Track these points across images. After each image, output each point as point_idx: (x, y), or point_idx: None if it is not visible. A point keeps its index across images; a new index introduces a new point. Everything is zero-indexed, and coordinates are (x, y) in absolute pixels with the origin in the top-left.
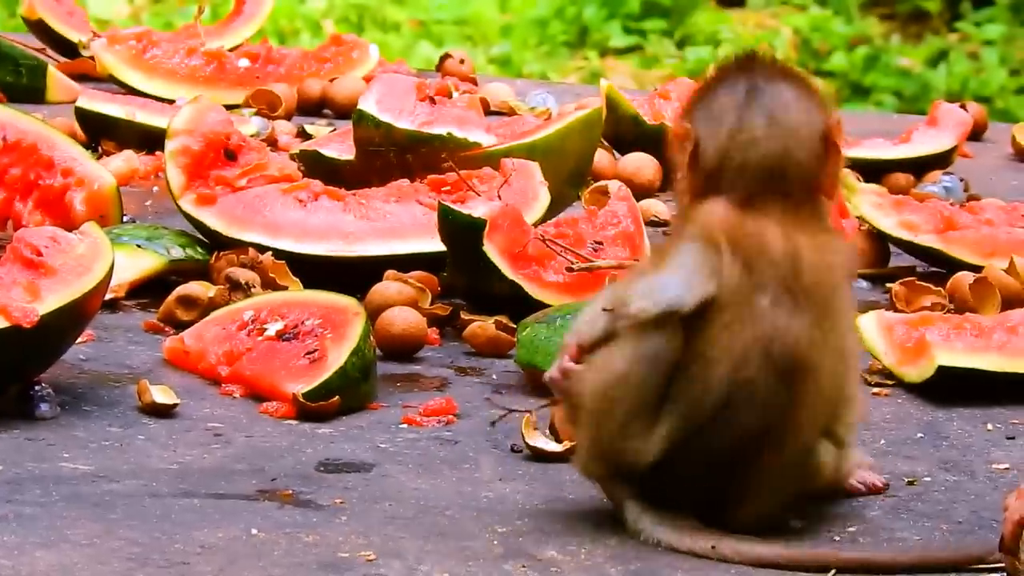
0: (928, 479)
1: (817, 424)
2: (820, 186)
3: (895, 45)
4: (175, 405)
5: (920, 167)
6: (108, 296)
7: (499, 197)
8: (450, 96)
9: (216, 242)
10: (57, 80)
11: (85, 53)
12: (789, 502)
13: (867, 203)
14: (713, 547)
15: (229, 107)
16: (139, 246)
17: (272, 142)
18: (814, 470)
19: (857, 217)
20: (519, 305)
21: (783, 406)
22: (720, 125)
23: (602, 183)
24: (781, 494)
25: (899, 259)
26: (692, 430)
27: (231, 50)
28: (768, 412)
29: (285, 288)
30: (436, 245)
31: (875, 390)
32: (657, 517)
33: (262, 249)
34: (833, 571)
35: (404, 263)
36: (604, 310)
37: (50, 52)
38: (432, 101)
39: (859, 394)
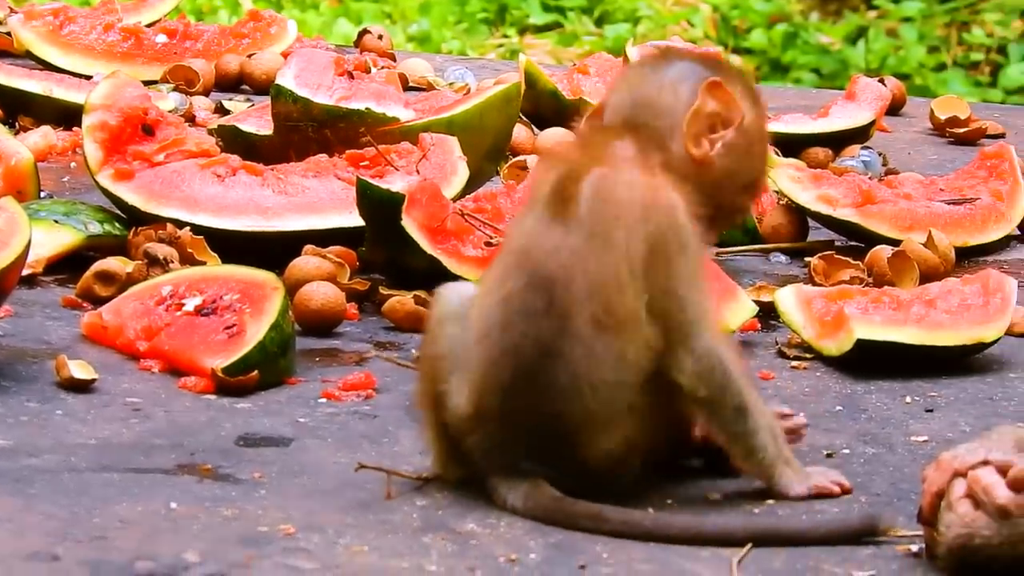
0: (847, 451)
1: (605, 345)
2: (674, 133)
3: (814, 22)
4: (93, 380)
5: (839, 141)
6: (26, 272)
7: (417, 172)
8: (368, 71)
9: (134, 217)
10: None
11: (2, 29)
12: (648, 438)
13: (785, 177)
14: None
15: (147, 83)
16: (57, 221)
17: (190, 118)
18: (653, 401)
19: (776, 191)
20: (438, 280)
21: (547, 319)
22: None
23: (521, 158)
24: (615, 422)
25: (818, 233)
26: (490, 370)
27: (148, 26)
28: (532, 325)
29: (203, 263)
30: (355, 220)
31: (794, 363)
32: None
33: (180, 224)
34: (749, 545)
35: (323, 238)
36: None
37: None
38: (350, 76)
39: (705, 332)
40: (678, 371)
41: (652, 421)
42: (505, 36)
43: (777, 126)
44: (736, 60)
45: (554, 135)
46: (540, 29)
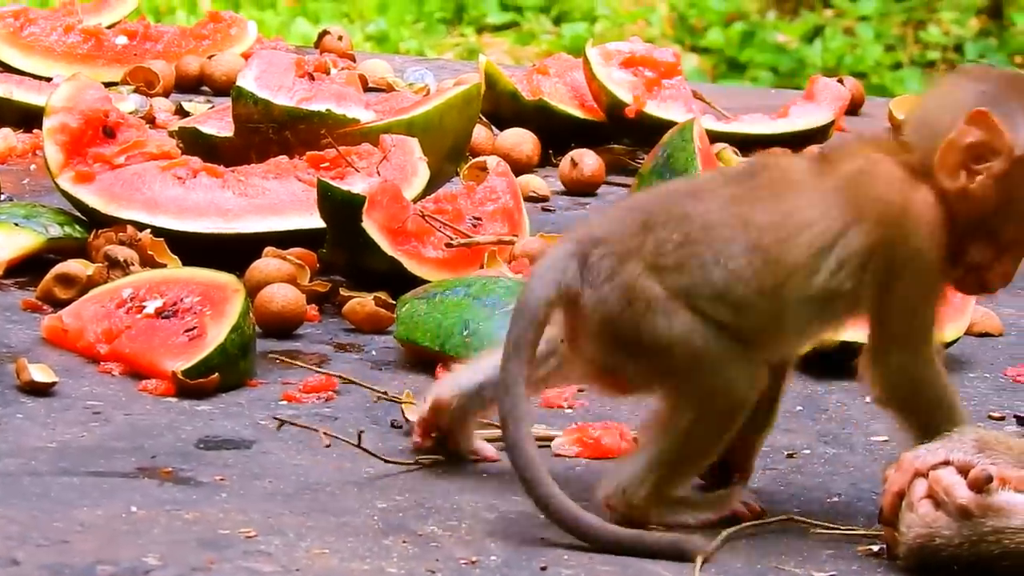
0: (807, 452)
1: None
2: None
3: (771, 21)
4: (54, 383)
5: (798, 141)
6: None
7: (378, 173)
8: (328, 73)
9: (94, 220)
10: None
11: None
12: None
13: None
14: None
15: (107, 84)
16: (17, 224)
17: (150, 119)
18: None
19: None
20: (398, 281)
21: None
22: None
23: (481, 159)
24: None
25: None
26: None
27: (109, 28)
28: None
29: (164, 266)
30: (315, 222)
31: None
32: None
33: (141, 227)
34: (716, 545)
35: (283, 240)
36: None
37: None
38: (311, 78)
39: None
40: (872, 380)
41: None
42: (462, 35)
43: (736, 126)
44: None
45: (514, 136)
46: (498, 28)
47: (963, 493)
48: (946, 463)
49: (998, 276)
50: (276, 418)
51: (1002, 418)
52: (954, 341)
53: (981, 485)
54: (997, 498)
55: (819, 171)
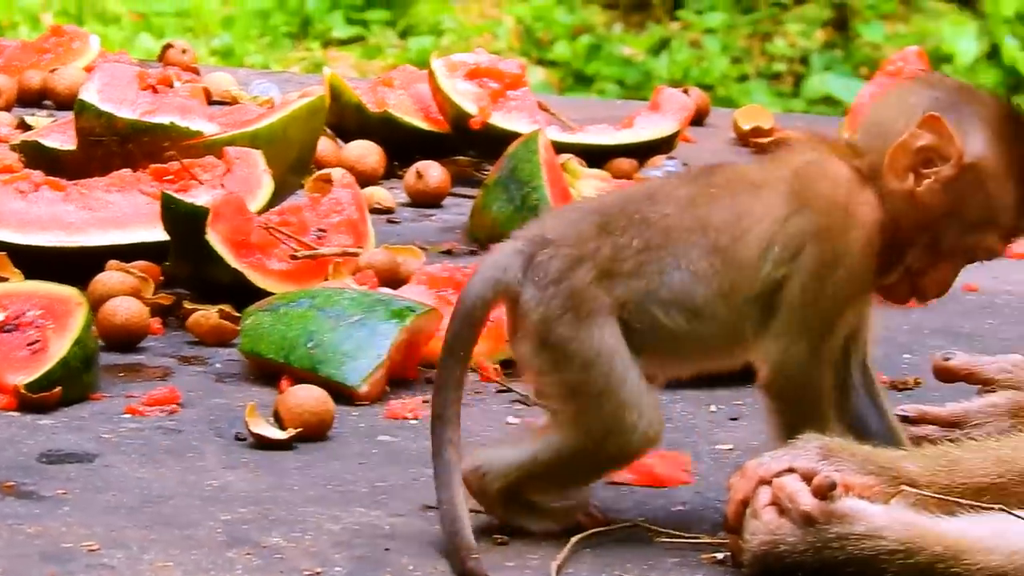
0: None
1: None
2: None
3: (617, 34)
4: None
5: (643, 152)
6: None
7: (222, 186)
8: (172, 86)
9: None
10: None
11: None
12: None
13: (590, 188)
14: None
15: None
16: None
17: None
18: None
19: None
20: (243, 293)
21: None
22: None
23: (325, 171)
24: None
25: None
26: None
27: None
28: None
29: (6, 279)
30: (159, 234)
31: None
32: None
33: None
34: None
35: (127, 253)
36: None
37: None
38: (154, 90)
39: None
40: (764, 356)
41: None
42: (308, 49)
43: (581, 137)
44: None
45: (359, 148)
46: (344, 42)
47: (807, 500)
48: (790, 470)
49: (934, 284)
50: None
51: None
52: None
53: (825, 492)
54: (841, 505)
55: (770, 167)
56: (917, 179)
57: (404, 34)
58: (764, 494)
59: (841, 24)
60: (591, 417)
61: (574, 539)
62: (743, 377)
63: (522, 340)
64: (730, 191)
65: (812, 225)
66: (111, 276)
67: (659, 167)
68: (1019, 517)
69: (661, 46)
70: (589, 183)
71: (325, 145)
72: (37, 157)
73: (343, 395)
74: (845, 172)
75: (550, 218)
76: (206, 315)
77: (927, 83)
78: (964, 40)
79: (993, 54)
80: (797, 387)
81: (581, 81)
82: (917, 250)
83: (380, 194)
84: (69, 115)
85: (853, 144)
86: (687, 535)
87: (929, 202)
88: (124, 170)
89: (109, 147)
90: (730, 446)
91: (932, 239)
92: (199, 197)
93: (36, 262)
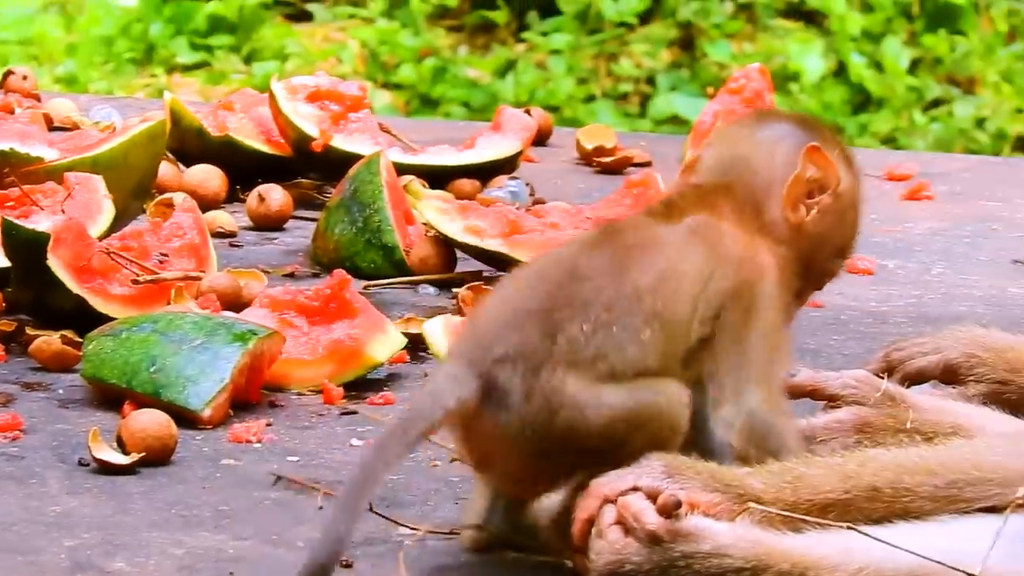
0: None
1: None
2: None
3: (463, 56)
4: None
5: (486, 173)
6: None
7: (63, 211)
8: (13, 112)
9: None
10: None
11: None
12: None
13: (432, 209)
14: None
15: None
16: None
17: None
18: None
19: (423, 223)
20: (85, 319)
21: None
22: None
23: (167, 195)
24: None
25: (466, 264)
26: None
27: None
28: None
29: None
30: (0, 261)
31: None
32: None
33: None
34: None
35: None
36: None
37: None
38: None
39: None
40: (727, 427)
41: (623, 414)
42: (153, 76)
43: (423, 158)
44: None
45: (201, 172)
46: (189, 68)
47: (652, 519)
48: (635, 489)
49: (800, 308)
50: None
51: None
52: None
53: (670, 510)
54: (686, 523)
55: (670, 226)
56: (806, 210)
57: (249, 59)
58: (609, 513)
59: (687, 44)
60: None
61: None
62: None
63: (507, 459)
64: (646, 251)
65: (729, 282)
66: None
67: (502, 187)
68: (865, 534)
69: (507, 68)
70: (431, 204)
71: (166, 170)
72: None
73: (186, 419)
74: (729, 225)
75: (481, 325)
76: (48, 341)
77: (772, 118)
78: (810, 58)
79: (840, 71)
80: (767, 438)
81: (427, 104)
82: (799, 278)
83: (222, 218)
84: None
85: (727, 186)
86: (538, 555)
87: (813, 231)
88: None
89: None
90: None
91: (808, 266)
92: (40, 223)
93: None
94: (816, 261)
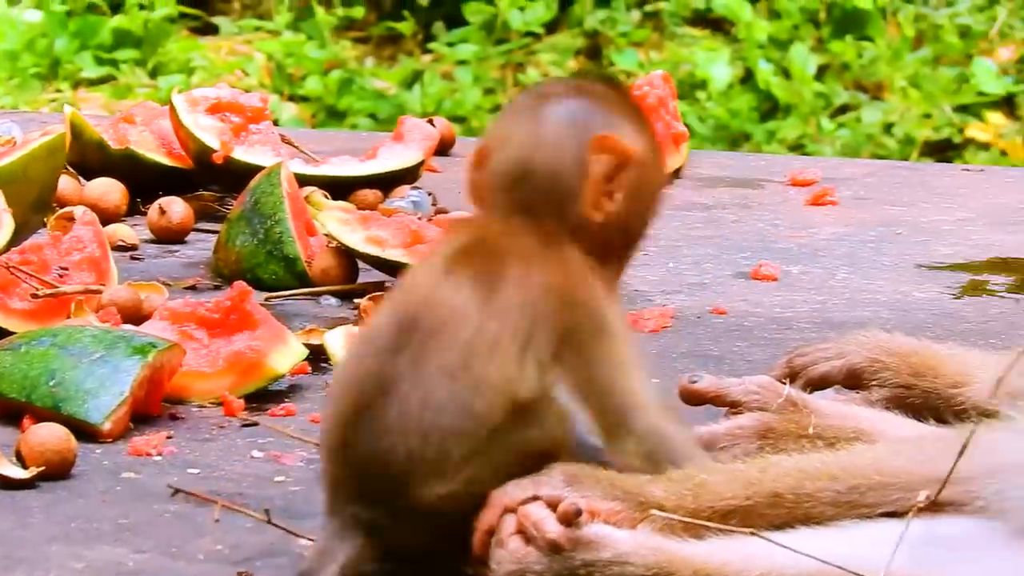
0: None
1: (451, 395)
2: (569, 199)
3: (369, 68)
4: None
5: (388, 183)
6: None
7: None
8: None
9: None
10: None
11: None
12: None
13: (334, 220)
14: None
15: None
16: None
17: None
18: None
19: (325, 234)
20: None
21: (397, 356)
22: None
23: (68, 209)
24: (450, 469)
25: (367, 275)
26: (333, 401)
27: None
28: (380, 361)
29: None
30: None
31: None
32: None
33: None
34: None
35: None
36: None
37: None
38: None
39: None
40: (623, 454)
41: (500, 469)
42: (59, 91)
43: (325, 169)
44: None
45: (101, 185)
46: (94, 83)
47: (553, 527)
48: (535, 498)
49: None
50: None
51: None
52: None
53: (571, 519)
54: (587, 531)
55: (471, 284)
56: (610, 199)
57: (154, 73)
58: (509, 523)
59: (594, 53)
60: None
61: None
62: None
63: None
64: (444, 333)
65: (554, 322)
66: None
67: (404, 197)
68: (767, 539)
69: (413, 79)
70: (332, 214)
71: (67, 183)
72: None
73: (86, 433)
74: (536, 249)
75: (331, 473)
76: None
77: (552, 97)
78: (717, 66)
79: (747, 78)
80: (668, 451)
81: (334, 116)
82: (617, 258)
83: (123, 231)
84: None
85: (519, 200)
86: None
87: (622, 210)
88: None
89: None
90: None
91: (624, 241)
92: None
93: None
94: (631, 233)
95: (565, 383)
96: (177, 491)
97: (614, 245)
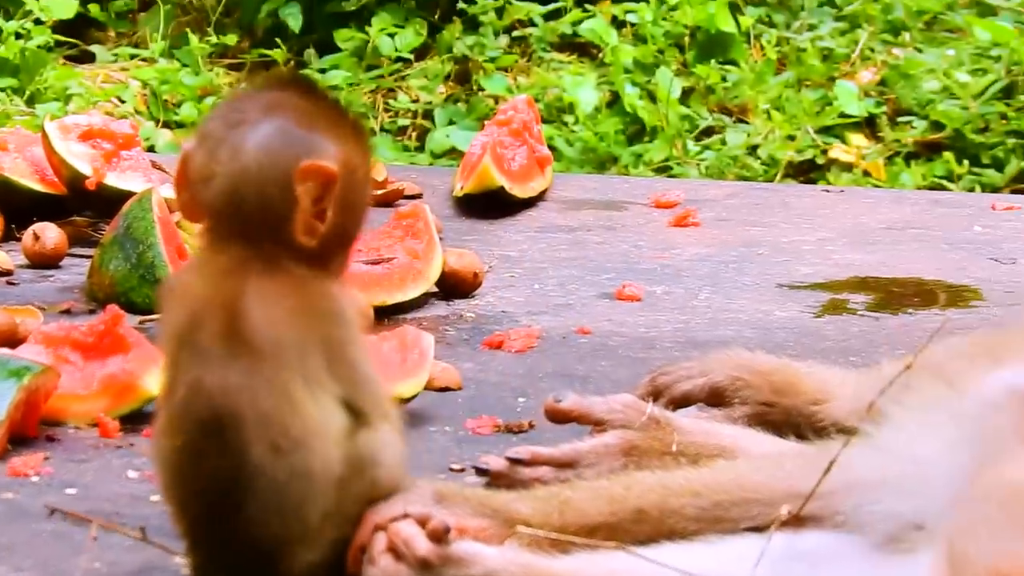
0: None
1: (288, 468)
2: (281, 226)
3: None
4: None
5: None
6: None
7: None
8: None
9: None
10: None
11: None
12: (350, 534)
13: None
14: None
15: None
16: None
17: None
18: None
19: None
20: None
21: (223, 459)
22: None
23: None
24: (313, 535)
25: None
26: (182, 514)
27: None
28: (210, 469)
29: None
30: None
31: None
32: None
33: None
34: None
35: None
36: None
37: None
38: None
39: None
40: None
41: (352, 519)
42: None
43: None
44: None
45: None
46: None
47: (422, 544)
48: (405, 515)
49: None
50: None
51: (462, 469)
52: (414, 396)
53: (440, 536)
54: (456, 548)
55: (214, 359)
56: (321, 218)
57: (31, 100)
58: (380, 540)
59: (463, 78)
60: None
61: None
62: None
63: None
64: (196, 401)
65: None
66: None
67: None
68: (634, 553)
69: None
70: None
71: None
72: None
73: None
74: (257, 273)
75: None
76: None
77: (250, 118)
78: (584, 90)
79: (614, 102)
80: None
81: None
82: (338, 257)
83: None
84: None
85: (221, 229)
86: None
87: (336, 221)
88: None
89: None
90: None
91: (343, 241)
92: None
93: None
94: (347, 235)
95: (339, 389)
96: (54, 511)
97: (333, 250)
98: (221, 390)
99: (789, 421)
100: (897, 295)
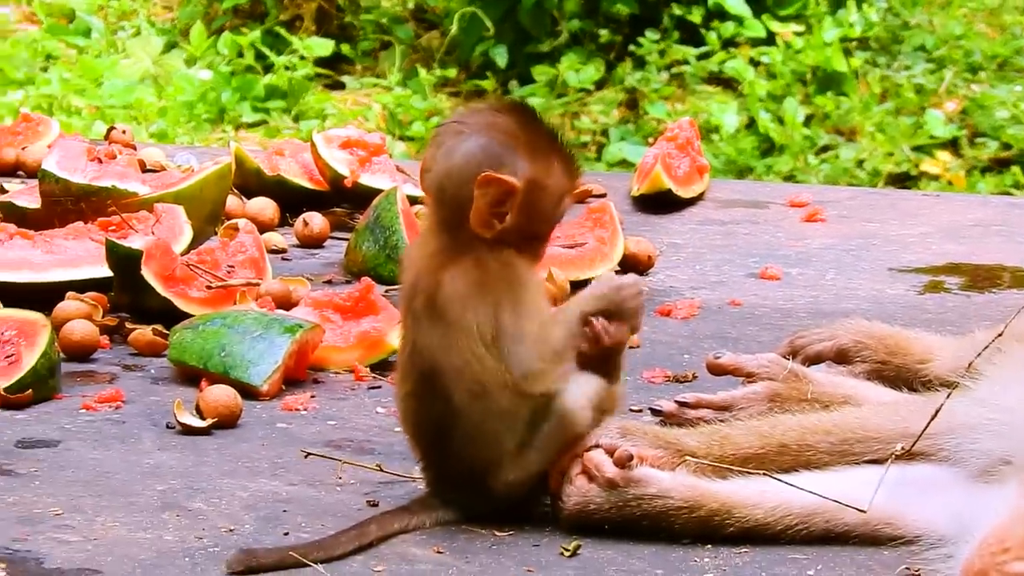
0: None
1: (483, 408)
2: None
3: None
4: None
5: None
6: None
7: (152, 233)
8: (115, 158)
9: None
10: None
11: None
12: (544, 465)
13: None
14: None
15: None
16: None
17: None
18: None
19: None
20: (171, 316)
21: (436, 402)
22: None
23: (233, 221)
24: (510, 460)
25: None
26: (412, 442)
27: None
28: (428, 409)
29: None
30: (105, 271)
31: None
32: None
33: None
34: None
35: (81, 286)
36: None
37: None
38: (100, 161)
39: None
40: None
41: (545, 451)
42: (224, 131)
43: None
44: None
45: (259, 203)
46: (251, 125)
47: (610, 469)
48: (596, 446)
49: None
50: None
51: (640, 411)
52: None
53: (624, 462)
54: (636, 472)
55: (422, 323)
56: (499, 219)
57: (297, 118)
58: (576, 465)
59: (632, 105)
60: None
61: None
62: None
63: None
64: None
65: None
66: (69, 304)
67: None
68: (778, 479)
69: None
70: None
71: (232, 201)
72: (11, 214)
73: (249, 393)
74: (454, 251)
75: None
76: (143, 333)
77: (464, 131)
78: (727, 115)
79: (750, 125)
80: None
81: None
82: (531, 242)
83: (275, 238)
84: (35, 182)
85: (432, 215)
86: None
87: (520, 221)
88: (78, 223)
89: (66, 205)
90: None
91: (532, 237)
92: (135, 242)
93: (11, 294)
94: (535, 233)
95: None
96: (309, 454)
97: (523, 241)
98: (428, 349)
99: (900, 376)
100: (984, 278)
